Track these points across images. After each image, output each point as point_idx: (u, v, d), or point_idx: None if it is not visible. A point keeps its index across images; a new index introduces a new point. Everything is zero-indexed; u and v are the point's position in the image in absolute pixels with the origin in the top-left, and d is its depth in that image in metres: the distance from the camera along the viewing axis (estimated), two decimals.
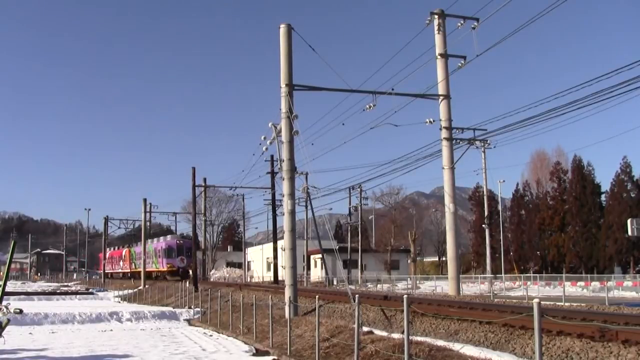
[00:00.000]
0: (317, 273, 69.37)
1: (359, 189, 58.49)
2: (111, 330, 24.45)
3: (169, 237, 61.74)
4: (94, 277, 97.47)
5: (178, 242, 58.48)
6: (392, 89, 22.41)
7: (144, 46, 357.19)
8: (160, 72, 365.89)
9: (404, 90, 23.32)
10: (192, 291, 35.21)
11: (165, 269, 56.96)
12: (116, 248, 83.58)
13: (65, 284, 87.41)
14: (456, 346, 10.59)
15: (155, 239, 65.56)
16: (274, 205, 47.29)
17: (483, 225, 49.17)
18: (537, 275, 53.72)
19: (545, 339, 9.73)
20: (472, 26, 22.47)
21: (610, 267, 59.30)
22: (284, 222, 20.15)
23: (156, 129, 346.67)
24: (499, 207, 60.70)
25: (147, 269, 59.74)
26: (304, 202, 41.77)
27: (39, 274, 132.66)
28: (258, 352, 16.06)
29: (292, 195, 19.75)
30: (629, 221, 36.81)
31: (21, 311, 15.16)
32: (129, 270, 71.47)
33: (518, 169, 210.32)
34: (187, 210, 71.91)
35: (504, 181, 59.75)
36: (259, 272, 76.59)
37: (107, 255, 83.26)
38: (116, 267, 78.41)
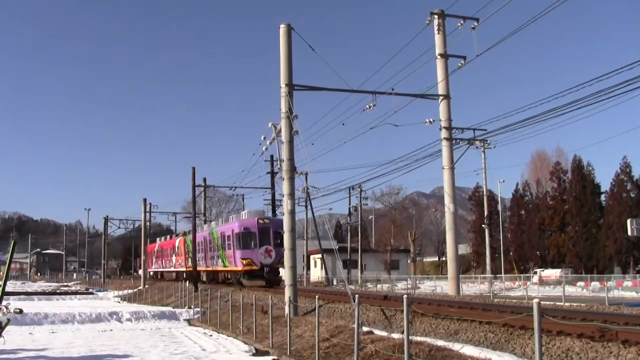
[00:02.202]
0: (317, 273, 69.44)
1: (358, 189, 58.52)
2: (111, 330, 24.47)
3: (244, 213, 37.87)
4: (93, 277, 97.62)
5: (261, 221, 35.09)
6: (392, 89, 22.45)
7: (145, 46, 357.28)
8: (160, 73, 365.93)
9: (404, 90, 23.37)
10: (192, 291, 35.23)
11: (239, 267, 34.51)
12: (166, 238, 61.18)
13: (65, 284, 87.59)
14: (456, 346, 10.60)
15: (219, 220, 46.23)
16: (274, 205, 47.33)
17: (483, 225, 49.19)
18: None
19: (545, 339, 9.73)
20: (472, 26, 22.49)
21: (610, 267, 59.30)
22: (284, 222, 20.17)
23: (156, 128, 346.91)
24: (499, 207, 60.72)
25: (208, 268, 41.67)
26: (303, 202, 41.85)
27: (38, 274, 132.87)
28: (258, 352, 16.08)
29: (292, 195, 19.76)
30: (628, 221, 36.91)
31: (21, 311, 15.18)
32: (184, 269, 48.64)
33: (518, 169, 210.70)
34: (187, 210, 71.93)
35: (503, 181, 59.95)
36: None
37: (156, 249, 62.21)
38: (166, 264, 56.40)
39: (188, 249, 46.06)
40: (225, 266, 37.47)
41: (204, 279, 42.66)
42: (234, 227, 35.86)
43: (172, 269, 53.79)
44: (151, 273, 63.48)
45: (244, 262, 33.95)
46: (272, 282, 33.83)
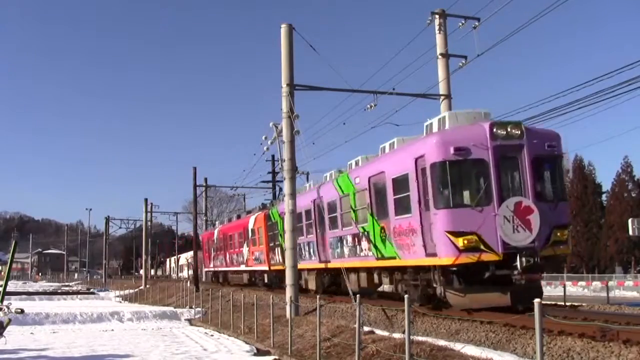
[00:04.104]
0: None
1: None
2: (112, 330, 24.51)
3: (445, 117, 14.36)
4: (95, 277, 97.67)
5: (501, 132, 13.04)
6: (393, 89, 22.39)
7: (146, 45, 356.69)
8: (161, 69, 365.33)
9: (405, 90, 23.24)
10: (193, 291, 35.24)
11: (447, 258, 12.77)
12: (232, 218, 41.83)
13: (67, 283, 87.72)
14: (457, 346, 10.59)
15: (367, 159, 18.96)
16: None
17: None
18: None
19: (546, 339, 9.73)
20: (473, 26, 22.45)
21: (612, 267, 59.32)
22: (285, 222, 20.15)
23: (157, 128, 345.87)
24: None
25: (322, 263, 21.08)
26: None
27: (40, 274, 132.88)
28: (259, 352, 16.10)
29: (293, 194, 19.75)
30: (630, 221, 36.84)
31: (22, 311, 15.19)
32: (266, 267, 29.33)
33: None
34: (188, 210, 72.03)
35: None
36: None
37: (215, 237, 41.06)
38: (232, 260, 36.37)
39: (277, 230, 26.52)
40: (380, 257, 16.26)
41: (310, 286, 23.24)
42: (423, 149, 13.93)
43: (243, 267, 33.92)
44: (208, 274, 46.18)
45: (460, 242, 12.79)
46: (527, 295, 12.38)
